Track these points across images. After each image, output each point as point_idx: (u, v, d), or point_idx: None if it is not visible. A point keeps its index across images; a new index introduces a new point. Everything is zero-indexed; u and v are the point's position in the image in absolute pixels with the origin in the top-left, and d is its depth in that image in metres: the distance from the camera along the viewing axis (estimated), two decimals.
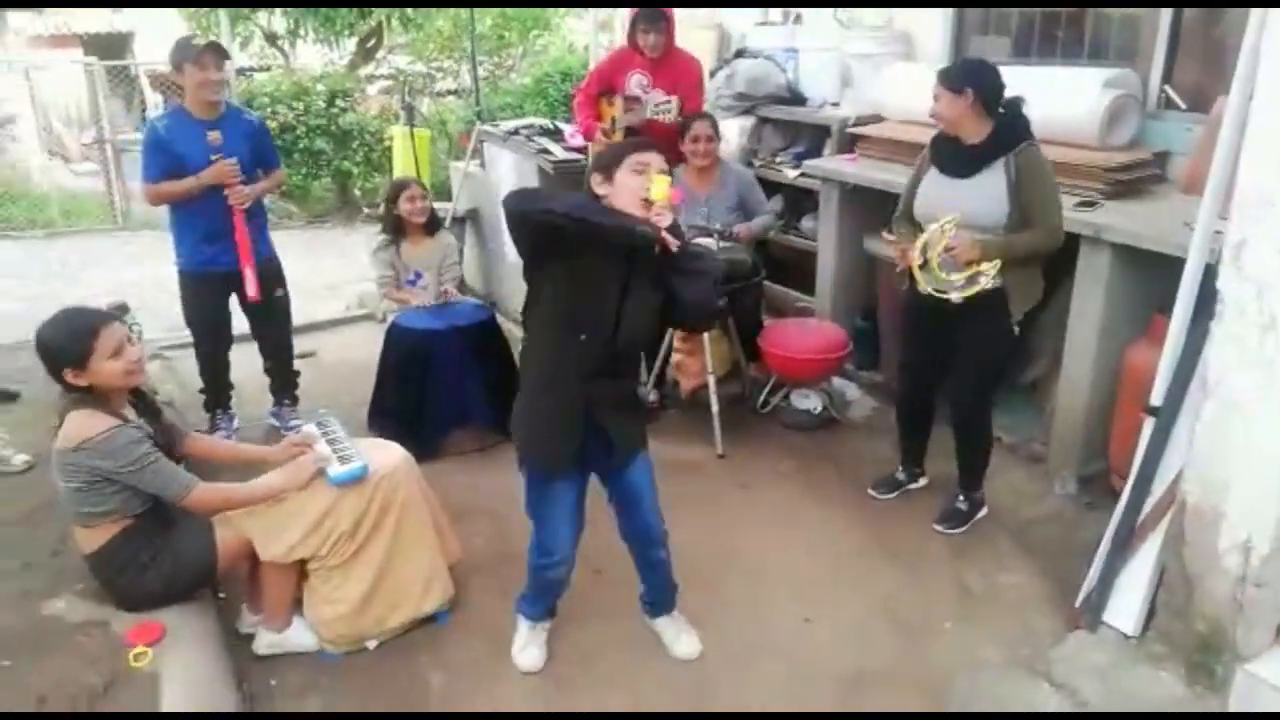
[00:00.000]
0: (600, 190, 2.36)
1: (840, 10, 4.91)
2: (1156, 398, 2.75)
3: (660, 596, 2.82)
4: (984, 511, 3.53)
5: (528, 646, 2.79)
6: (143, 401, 2.67)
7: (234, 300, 4.01)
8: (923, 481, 3.74)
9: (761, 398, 4.37)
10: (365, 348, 5.44)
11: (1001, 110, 3.08)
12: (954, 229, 3.04)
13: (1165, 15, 3.78)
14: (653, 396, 4.34)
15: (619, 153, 2.37)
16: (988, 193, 3.08)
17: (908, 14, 4.74)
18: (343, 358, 5.29)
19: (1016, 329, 3.15)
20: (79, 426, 2.44)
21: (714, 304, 2.46)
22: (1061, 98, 3.75)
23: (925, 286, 3.16)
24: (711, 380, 4.05)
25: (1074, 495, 3.63)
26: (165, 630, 2.50)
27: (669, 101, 4.39)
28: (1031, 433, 3.97)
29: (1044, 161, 3.09)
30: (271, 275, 4.00)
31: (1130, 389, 3.33)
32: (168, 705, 2.28)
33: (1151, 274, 3.31)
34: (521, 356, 2.58)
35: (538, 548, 2.63)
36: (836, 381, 4.45)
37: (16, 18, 13.79)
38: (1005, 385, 4.20)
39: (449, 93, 11.50)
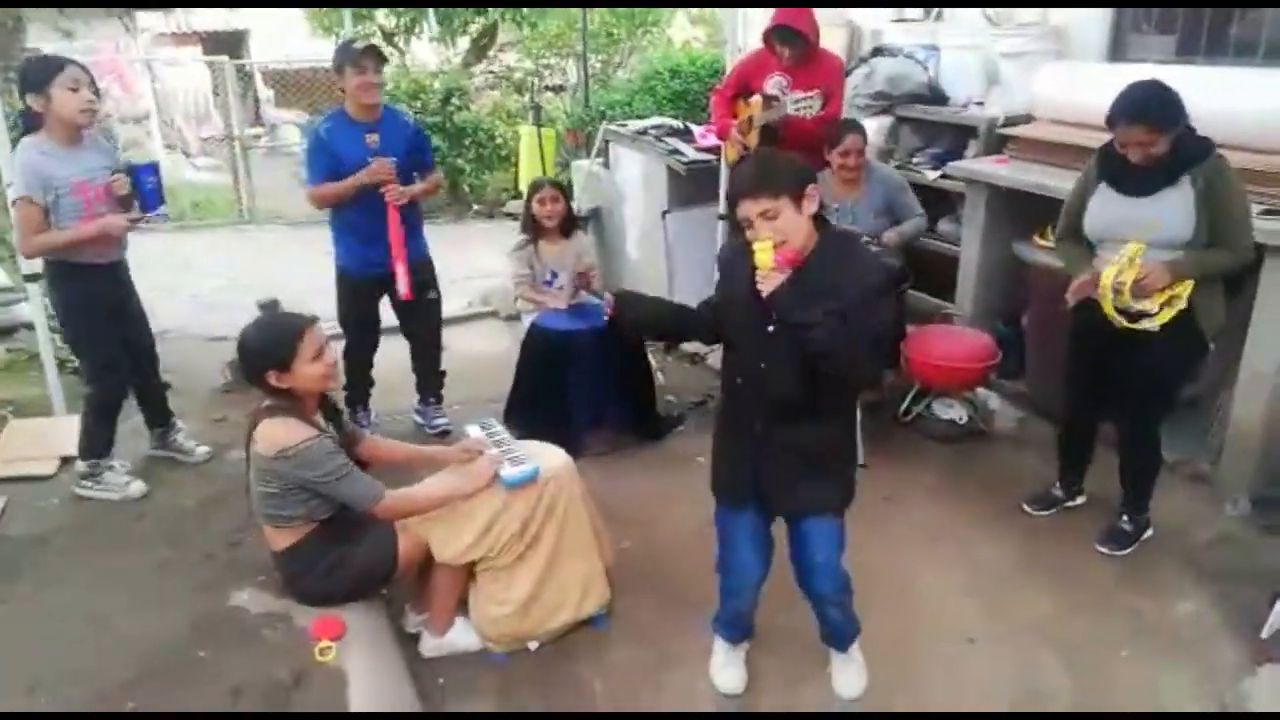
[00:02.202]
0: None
1: (990, 6, 4.74)
2: None
3: (831, 637, 2.70)
4: (1150, 533, 3.37)
5: (726, 667, 2.72)
6: (327, 404, 2.72)
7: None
8: (1080, 499, 3.60)
9: (904, 406, 4.27)
10: (493, 344, 5.54)
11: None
12: (1140, 258, 2.88)
13: None
14: None
15: (733, 193, 2.28)
16: (1173, 210, 2.89)
17: (1064, 9, 4.56)
18: (471, 353, 5.34)
19: (1211, 346, 3.01)
20: (278, 434, 2.49)
21: (853, 371, 2.22)
22: (1242, 100, 3.55)
23: (1117, 318, 2.96)
24: None
25: (1248, 518, 3.45)
26: (345, 626, 2.56)
27: (809, 98, 4.10)
28: (1194, 451, 3.78)
29: (1233, 174, 2.91)
30: (424, 277, 4.07)
31: None
32: (355, 701, 2.33)
33: None
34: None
35: (720, 563, 2.59)
36: (979, 391, 4.32)
37: (144, 18, 14.38)
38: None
39: (553, 88, 11.57)
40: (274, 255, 8.15)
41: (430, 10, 9.78)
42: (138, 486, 3.51)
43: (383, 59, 3.77)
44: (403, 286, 3.85)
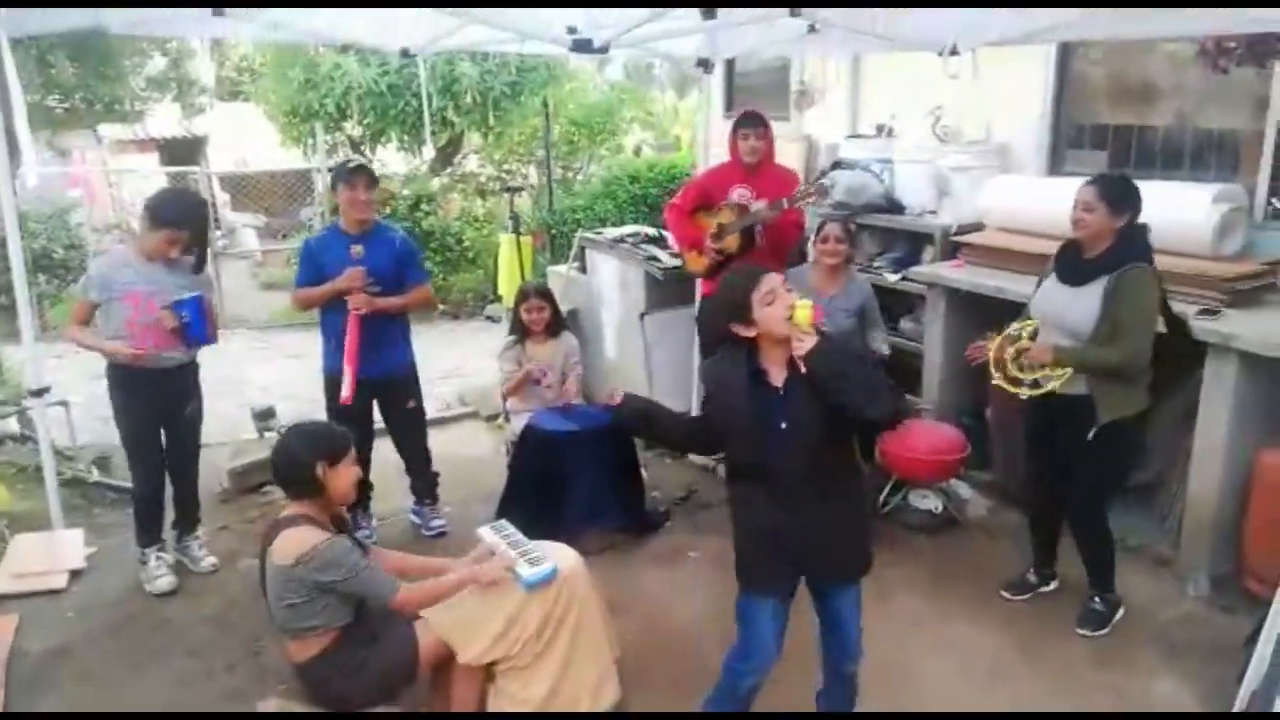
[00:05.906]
0: (747, 333, 2.48)
1: (939, 125, 5.16)
2: None
3: (847, 700, 2.85)
4: (1121, 613, 3.58)
5: None
6: (335, 516, 2.84)
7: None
8: (1054, 584, 3.80)
9: (881, 498, 4.48)
10: (476, 444, 5.66)
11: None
12: (1029, 333, 3.31)
13: (1270, 131, 3.98)
14: None
15: (740, 296, 2.45)
16: (1085, 302, 3.23)
17: (1005, 127, 5.00)
18: (456, 454, 5.42)
19: (1093, 433, 3.25)
20: (294, 542, 2.61)
21: (888, 412, 2.58)
22: (1171, 211, 3.90)
23: (999, 380, 3.39)
24: None
25: (1207, 597, 3.69)
26: None
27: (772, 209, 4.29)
28: (1153, 535, 4.04)
29: (1145, 285, 3.18)
30: (406, 386, 4.23)
31: (1266, 492, 3.42)
32: None
33: (1276, 379, 3.44)
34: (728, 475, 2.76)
35: (739, 650, 2.69)
36: (951, 481, 4.55)
37: (105, 126, 14.53)
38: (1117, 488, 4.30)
39: (513, 189, 11.88)
40: (246, 361, 8.19)
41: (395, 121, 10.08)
42: (164, 583, 3.63)
43: (374, 180, 3.99)
44: (346, 390, 3.90)
